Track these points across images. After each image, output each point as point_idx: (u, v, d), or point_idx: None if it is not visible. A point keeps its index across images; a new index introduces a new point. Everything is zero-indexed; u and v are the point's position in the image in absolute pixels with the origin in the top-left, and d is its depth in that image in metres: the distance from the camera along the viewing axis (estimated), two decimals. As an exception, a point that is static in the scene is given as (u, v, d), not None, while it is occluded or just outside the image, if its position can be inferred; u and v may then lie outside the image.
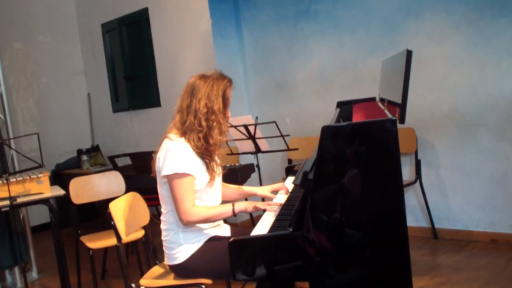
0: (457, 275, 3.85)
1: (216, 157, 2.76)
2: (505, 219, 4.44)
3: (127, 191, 3.89)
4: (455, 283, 3.72)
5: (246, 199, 4.54)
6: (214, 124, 2.63)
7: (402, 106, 2.17)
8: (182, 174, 2.55)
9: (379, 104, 3.33)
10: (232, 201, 2.73)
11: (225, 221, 3.00)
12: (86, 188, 4.24)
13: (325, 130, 2.11)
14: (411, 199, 4.90)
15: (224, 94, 2.67)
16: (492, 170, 4.45)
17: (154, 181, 2.78)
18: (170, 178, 2.57)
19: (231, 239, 2.24)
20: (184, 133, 2.64)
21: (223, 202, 2.88)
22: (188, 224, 2.60)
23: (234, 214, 2.66)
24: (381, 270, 2.17)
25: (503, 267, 3.93)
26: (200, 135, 2.62)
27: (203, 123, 2.61)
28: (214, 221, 2.70)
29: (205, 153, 2.66)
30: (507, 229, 4.44)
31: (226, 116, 2.71)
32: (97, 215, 7.09)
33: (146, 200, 3.24)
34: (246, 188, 3.14)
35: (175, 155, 2.57)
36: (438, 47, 4.58)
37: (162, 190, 2.71)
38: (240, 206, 2.66)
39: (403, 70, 2.17)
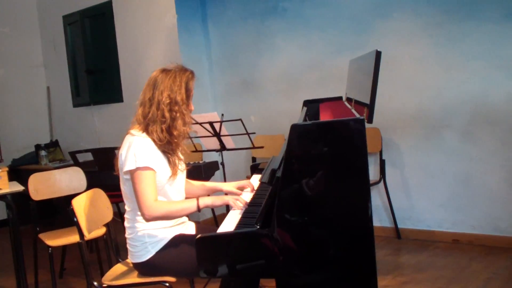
0: (420, 275, 3.94)
1: (179, 153, 2.78)
2: (468, 220, 4.55)
3: (88, 187, 3.86)
4: (418, 282, 3.80)
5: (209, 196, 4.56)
6: (178, 115, 2.65)
7: (371, 106, 2.20)
8: (144, 168, 2.55)
9: (346, 103, 3.37)
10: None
11: (189, 218, 3.01)
12: (46, 184, 4.18)
13: (294, 128, 2.12)
14: (375, 199, 4.98)
15: (187, 86, 2.69)
16: (456, 170, 4.55)
17: (117, 178, 2.77)
18: (132, 173, 2.57)
19: (198, 236, 2.25)
20: (146, 126, 2.65)
21: (187, 199, 2.89)
22: (150, 219, 2.58)
23: (199, 209, 2.65)
24: (347, 270, 2.18)
25: (465, 266, 4.04)
26: (163, 126, 2.63)
27: (166, 114, 2.63)
28: (177, 216, 2.69)
29: (168, 147, 2.67)
30: (469, 229, 4.55)
31: (189, 108, 2.73)
32: (55, 212, 6.99)
33: (109, 197, 3.23)
34: (210, 184, 3.15)
35: (136, 150, 2.57)
36: (406, 48, 4.66)
37: (125, 188, 2.71)
38: (206, 200, 2.65)
39: (372, 70, 2.20)
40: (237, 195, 2.92)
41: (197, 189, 3.09)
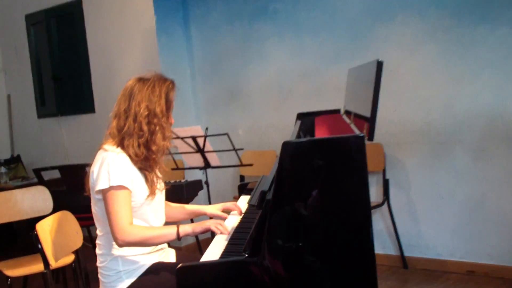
0: (428, 310, 3.95)
1: (157, 171, 2.80)
2: (483, 248, 4.54)
3: (55, 209, 3.87)
4: (426, 318, 3.82)
5: (192, 220, 4.58)
6: (157, 128, 2.69)
7: (372, 121, 2.22)
8: (118, 187, 2.57)
9: (344, 117, 3.41)
10: (177, 222, 2.75)
11: (169, 245, 3.03)
12: (6, 206, 4.15)
13: (287, 145, 2.15)
14: (378, 223, 5.00)
15: (167, 97, 2.74)
16: (468, 192, 4.56)
17: (87, 199, 2.77)
18: (105, 193, 2.58)
19: (179, 265, 2.26)
20: (121, 140, 2.67)
21: (167, 223, 2.92)
22: (123, 244, 2.59)
23: (179, 238, 2.65)
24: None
25: (480, 301, 4.05)
26: (141, 140, 2.66)
27: (144, 127, 2.66)
28: (153, 244, 2.70)
29: (145, 163, 2.70)
30: (485, 259, 4.54)
31: (169, 121, 2.77)
32: (16, 238, 6.96)
33: (78, 220, 3.25)
34: (192, 207, 3.18)
35: (110, 167, 2.58)
36: (411, 55, 4.71)
37: (97, 209, 2.71)
38: (186, 228, 2.65)
39: (373, 82, 2.22)
40: (221, 219, 2.95)
41: (177, 212, 3.11)
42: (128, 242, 2.59)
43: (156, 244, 2.76)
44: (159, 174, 2.82)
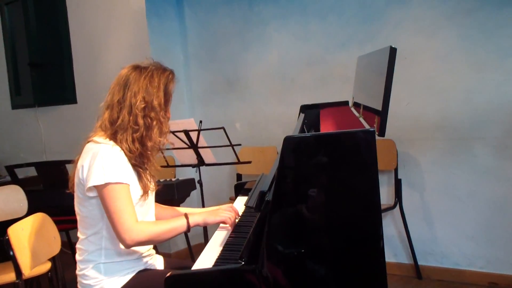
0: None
1: (149, 169, 2.79)
2: (507, 257, 4.51)
3: (30, 211, 3.86)
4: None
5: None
6: (154, 122, 2.69)
7: (383, 115, 2.22)
8: (117, 183, 2.55)
9: (353, 110, 3.40)
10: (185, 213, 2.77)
11: (157, 251, 3.02)
12: (-25, 207, 4.17)
13: (289, 141, 2.15)
14: (389, 228, 5.00)
15: (166, 88, 2.75)
16: (489, 194, 4.55)
17: (68, 198, 2.77)
18: (101, 189, 2.56)
19: (168, 274, 2.26)
20: (114, 134, 2.67)
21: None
22: (132, 244, 2.57)
23: (188, 229, 2.70)
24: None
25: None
26: (136, 135, 2.66)
27: (140, 121, 2.66)
28: (164, 239, 2.70)
29: (139, 160, 2.70)
30: (510, 269, 4.51)
31: (167, 116, 2.78)
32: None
33: (56, 223, 3.23)
34: (183, 210, 3.17)
35: (104, 161, 2.56)
36: (427, 41, 4.69)
37: (82, 209, 2.69)
38: (196, 219, 2.73)
39: (385, 71, 2.22)
40: (215, 223, 2.95)
41: (167, 215, 3.10)
42: (138, 241, 2.57)
43: (167, 239, 2.75)
44: (151, 173, 2.82)
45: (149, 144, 2.70)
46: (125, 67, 2.77)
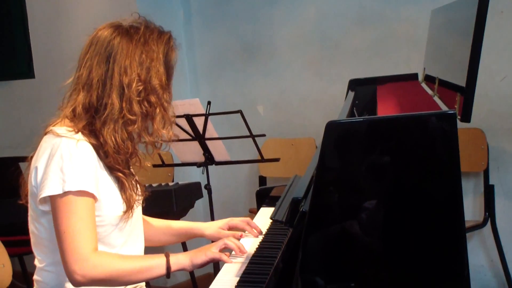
0: None
1: (132, 170, 2.79)
2: None
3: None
4: None
5: (184, 245, 4.58)
6: (157, 110, 2.65)
7: (468, 93, 2.21)
8: (78, 193, 2.49)
9: (424, 85, 3.41)
10: (163, 248, 2.75)
11: (148, 283, 3.03)
12: None
13: (333, 129, 2.14)
14: (476, 253, 4.99)
15: (167, 60, 2.71)
16: None
17: (22, 211, 2.76)
18: (55, 201, 2.50)
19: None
20: (91, 124, 2.62)
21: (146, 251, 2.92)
22: (83, 282, 2.49)
23: (168, 273, 2.61)
24: None
25: None
26: (130, 128, 2.61)
27: (136, 108, 2.60)
28: (129, 282, 2.66)
29: (124, 163, 2.67)
30: None
31: (169, 98, 2.73)
32: None
33: (6, 245, 3.26)
34: (183, 224, 3.19)
35: (64, 162, 2.50)
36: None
37: (37, 227, 2.67)
38: (181, 259, 2.63)
39: (472, 31, 2.21)
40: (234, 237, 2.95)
41: (160, 233, 3.13)
42: (92, 278, 2.49)
43: (133, 283, 2.72)
44: (136, 177, 2.81)
45: (148, 139, 2.67)
46: (103, 27, 2.70)
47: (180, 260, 2.62)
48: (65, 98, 2.71)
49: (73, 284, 2.52)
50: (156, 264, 2.59)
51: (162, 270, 2.59)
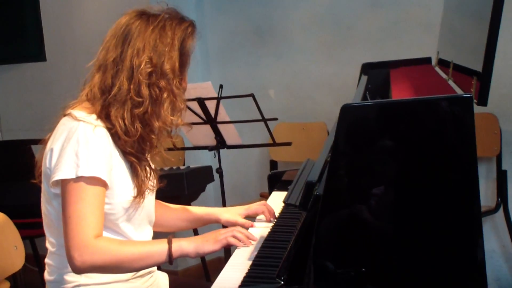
0: None
1: (149, 160, 2.78)
2: None
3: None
4: None
5: (195, 231, 4.59)
6: (164, 95, 2.61)
7: (484, 77, 2.20)
8: (91, 178, 2.48)
9: (438, 69, 3.40)
10: (170, 234, 2.72)
11: (159, 267, 3.03)
12: None
13: (347, 112, 2.12)
14: (488, 238, 5.01)
15: (183, 47, 2.69)
16: None
17: (35, 193, 2.77)
18: (66, 185, 2.49)
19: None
20: (105, 107, 2.61)
21: (157, 234, 2.90)
22: (82, 267, 2.47)
23: (171, 260, 2.59)
24: None
25: None
26: (137, 111, 2.59)
27: (144, 91, 2.58)
28: (130, 269, 2.65)
29: (138, 147, 2.66)
30: None
31: (182, 86, 2.72)
32: None
33: (19, 227, 3.25)
34: (198, 210, 3.17)
35: (80, 147, 2.49)
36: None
37: (50, 209, 2.67)
38: (184, 245, 2.60)
39: (489, 13, 2.19)
40: (245, 228, 2.94)
41: (174, 218, 3.12)
42: (91, 265, 2.47)
43: (134, 270, 2.71)
44: (152, 165, 2.80)
45: (156, 124, 2.63)
46: (127, 12, 2.71)
47: (183, 247, 2.59)
48: (86, 80, 2.71)
49: (74, 271, 2.51)
50: (158, 250, 2.57)
51: (163, 257, 2.57)
